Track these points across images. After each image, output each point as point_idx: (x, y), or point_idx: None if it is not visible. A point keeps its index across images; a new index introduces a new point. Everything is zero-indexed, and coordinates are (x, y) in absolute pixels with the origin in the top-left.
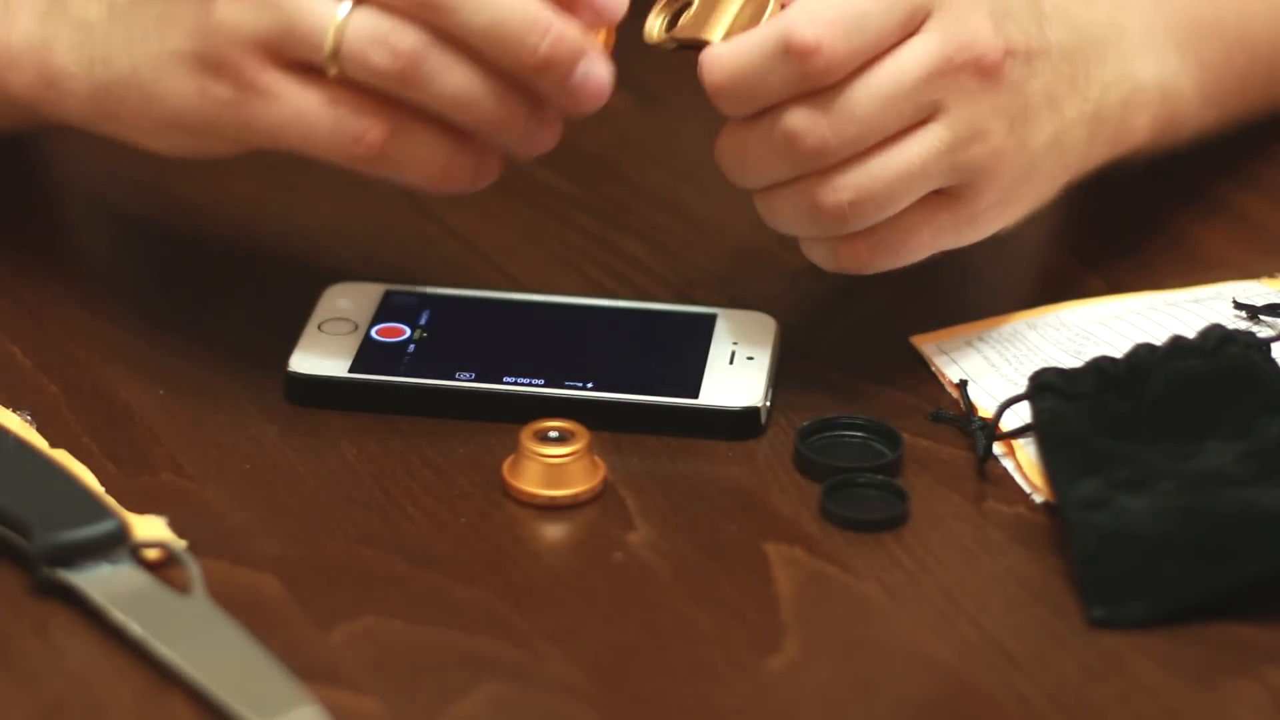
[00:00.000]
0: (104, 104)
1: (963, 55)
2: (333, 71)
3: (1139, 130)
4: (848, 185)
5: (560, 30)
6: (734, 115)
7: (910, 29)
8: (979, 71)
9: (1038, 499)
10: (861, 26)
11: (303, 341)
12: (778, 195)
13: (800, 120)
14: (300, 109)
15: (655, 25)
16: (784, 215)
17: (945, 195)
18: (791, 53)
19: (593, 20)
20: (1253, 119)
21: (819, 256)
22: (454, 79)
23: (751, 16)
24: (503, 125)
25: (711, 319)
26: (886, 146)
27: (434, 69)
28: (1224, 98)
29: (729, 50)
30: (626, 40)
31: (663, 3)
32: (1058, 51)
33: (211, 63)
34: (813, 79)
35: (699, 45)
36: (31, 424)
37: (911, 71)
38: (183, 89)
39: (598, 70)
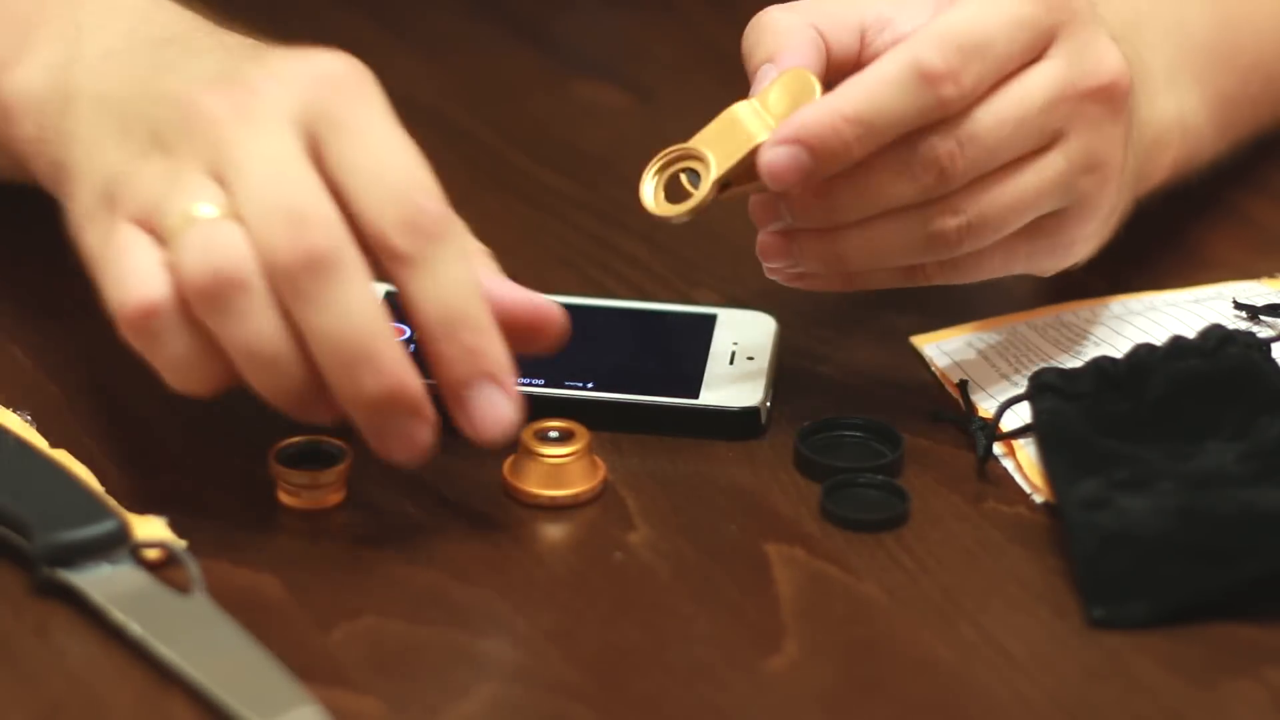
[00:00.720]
0: None
1: (1088, 82)
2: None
3: (1162, 169)
4: (968, 209)
5: (400, 379)
6: (865, 149)
7: (1035, 53)
8: (1105, 99)
9: (1038, 499)
10: (988, 51)
11: None
12: (881, 225)
13: (937, 145)
14: None
15: (651, 193)
16: (884, 244)
17: (1042, 220)
18: (924, 79)
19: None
20: (1261, 136)
21: (884, 280)
22: (257, 326)
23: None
24: (304, 406)
25: (711, 319)
26: (1010, 171)
27: (242, 309)
28: (1238, 124)
29: (860, 87)
30: (626, 40)
31: (654, 168)
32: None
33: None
34: (944, 106)
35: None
36: (31, 424)
37: (1039, 97)
38: None
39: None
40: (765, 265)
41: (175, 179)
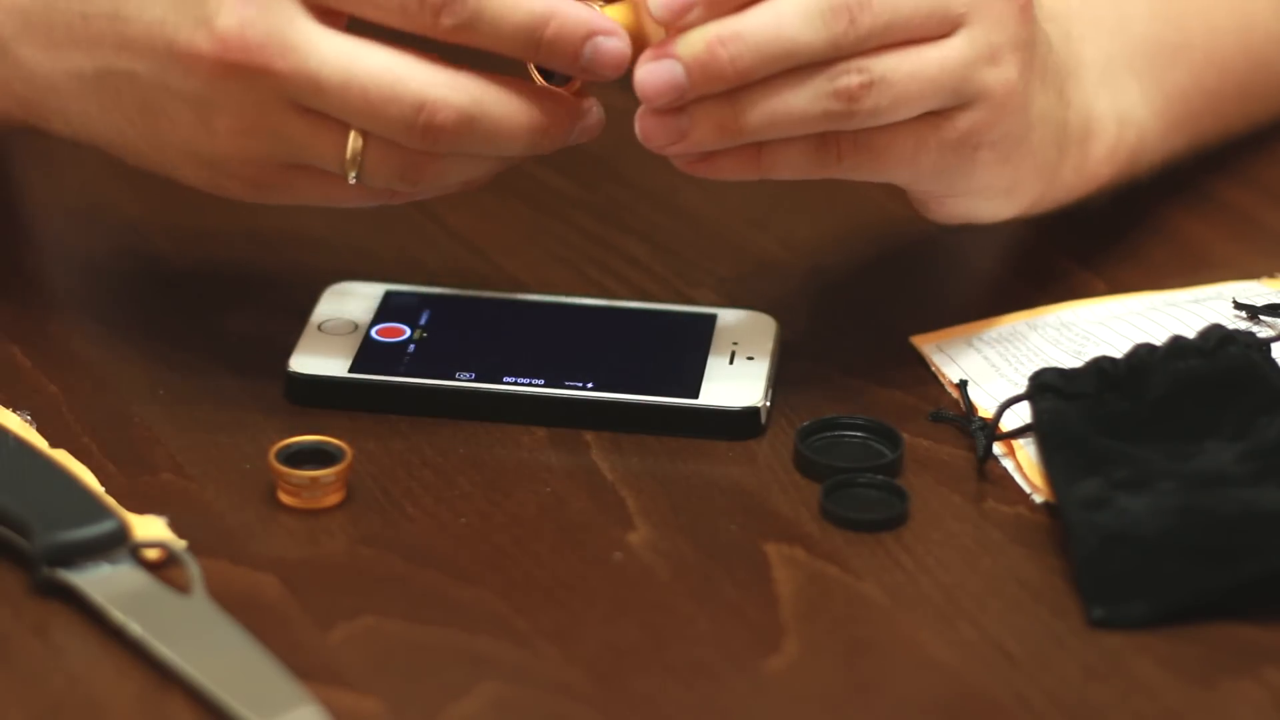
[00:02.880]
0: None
1: None
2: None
3: (1095, 164)
4: (871, 68)
5: (561, 18)
6: None
7: None
8: None
9: (1038, 499)
10: None
11: (303, 341)
12: (782, 82)
13: None
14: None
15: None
16: (786, 104)
17: (941, 115)
18: None
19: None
20: (1231, 136)
21: (795, 159)
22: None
23: None
24: (536, 144)
25: (711, 319)
26: (913, 46)
27: (446, 165)
28: (1194, 120)
29: None
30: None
31: None
32: (1046, 45)
33: (223, 176)
34: None
35: None
36: (31, 424)
37: None
38: (196, 180)
39: (607, 45)
40: (655, 145)
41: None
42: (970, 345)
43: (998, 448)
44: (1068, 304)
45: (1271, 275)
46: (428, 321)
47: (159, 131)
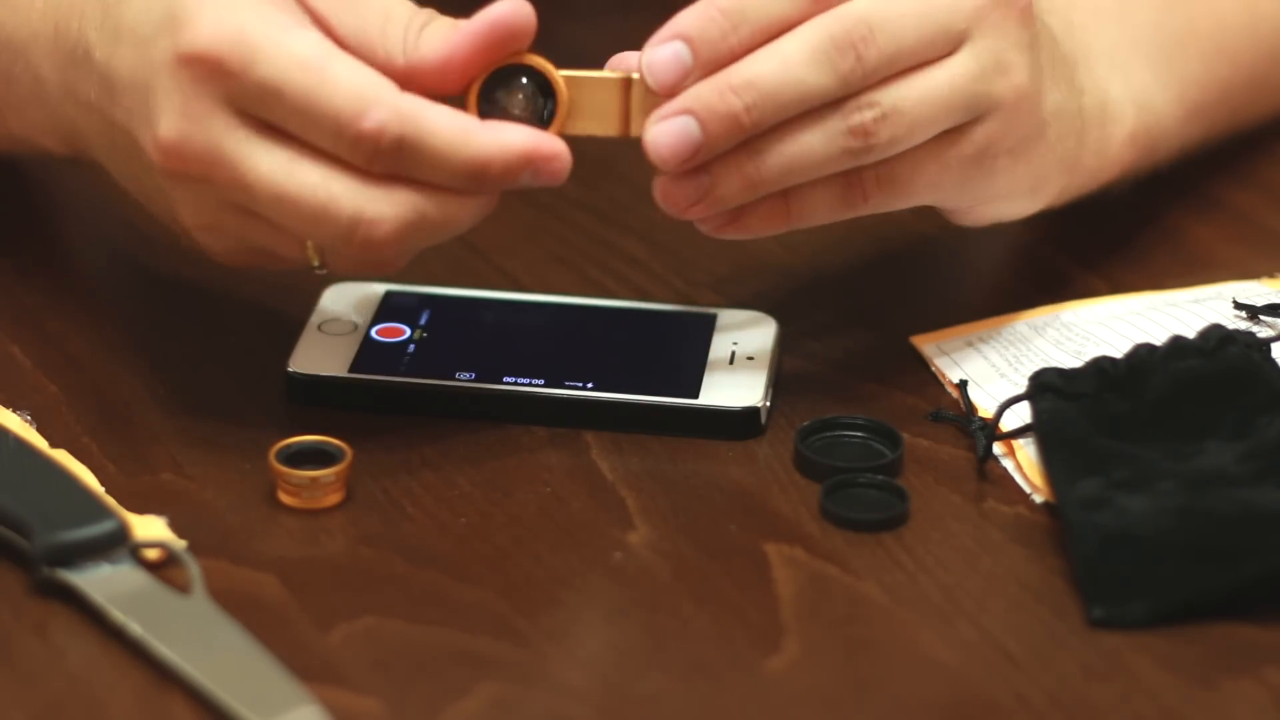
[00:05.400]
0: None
1: None
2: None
3: (1118, 147)
4: (883, 100)
5: (498, 161)
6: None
7: None
8: (1006, 4)
9: (1038, 499)
10: None
11: (302, 341)
12: (798, 127)
13: (851, 32)
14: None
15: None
16: (804, 148)
17: (956, 132)
18: None
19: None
20: (1241, 130)
21: (822, 203)
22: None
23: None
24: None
25: (711, 319)
26: (920, 70)
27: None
28: (1208, 110)
29: None
30: (626, 43)
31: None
32: (1049, 38)
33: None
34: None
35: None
36: (31, 424)
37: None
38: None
39: (547, 170)
40: (679, 208)
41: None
42: (970, 345)
43: (998, 448)
44: (1068, 304)
45: (1271, 275)
46: (427, 321)
47: (152, 203)
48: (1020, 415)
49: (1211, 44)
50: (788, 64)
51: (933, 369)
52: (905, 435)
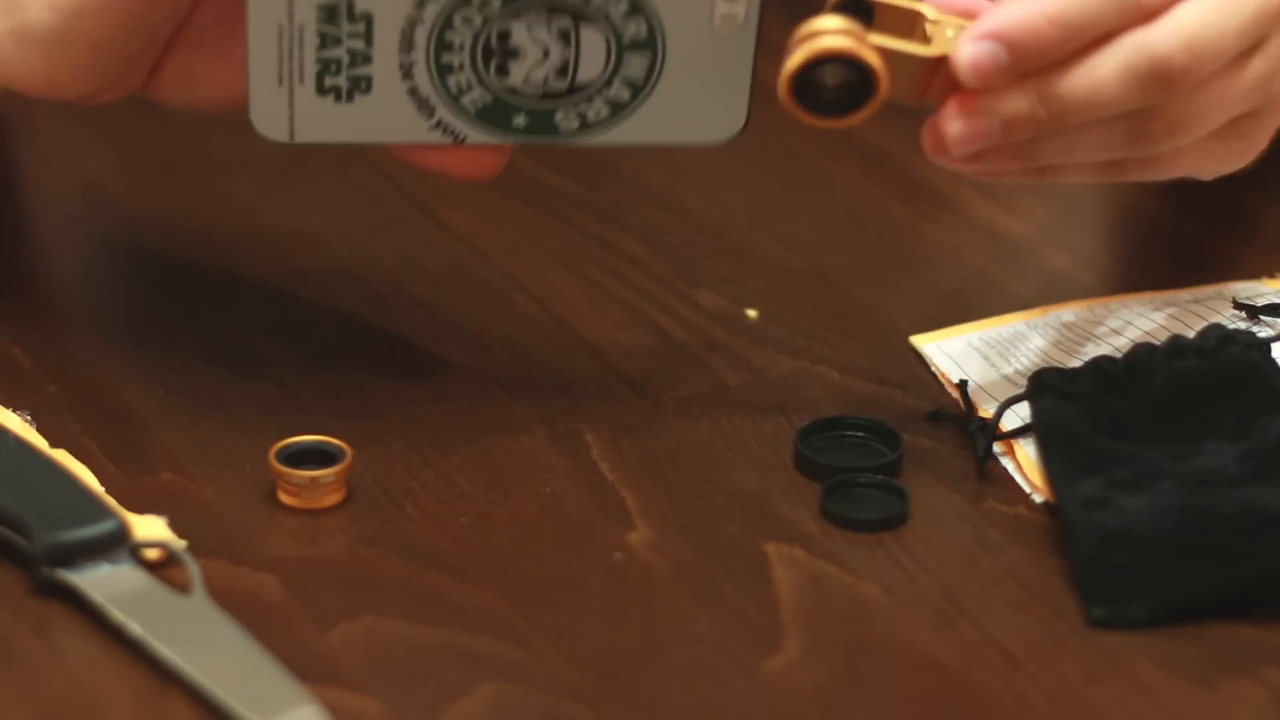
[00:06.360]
0: None
1: None
2: None
3: None
4: (1169, 115)
5: None
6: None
7: None
8: None
9: (1038, 499)
10: None
11: None
12: (1085, 127)
13: (1171, 56)
14: None
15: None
16: (1085, 143)
17: (1229, 124)
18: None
19: None
20: None
21: (1077, 175)
22: None
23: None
24: None
25: None
26: (1210, 81)
27: None
28: None
29: None
30: None
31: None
32: None
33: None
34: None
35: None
36: (31, 424)
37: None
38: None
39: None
40: (943, 149)
41: None
42: (970, 345)
43: (998, 448)
44: (1068, 304)
45: (1271, 275)
46: None
47: None
48: (1020, 415)
49: None
50: (1099, 88)
51: (933, 369)
52: (905, 435)
